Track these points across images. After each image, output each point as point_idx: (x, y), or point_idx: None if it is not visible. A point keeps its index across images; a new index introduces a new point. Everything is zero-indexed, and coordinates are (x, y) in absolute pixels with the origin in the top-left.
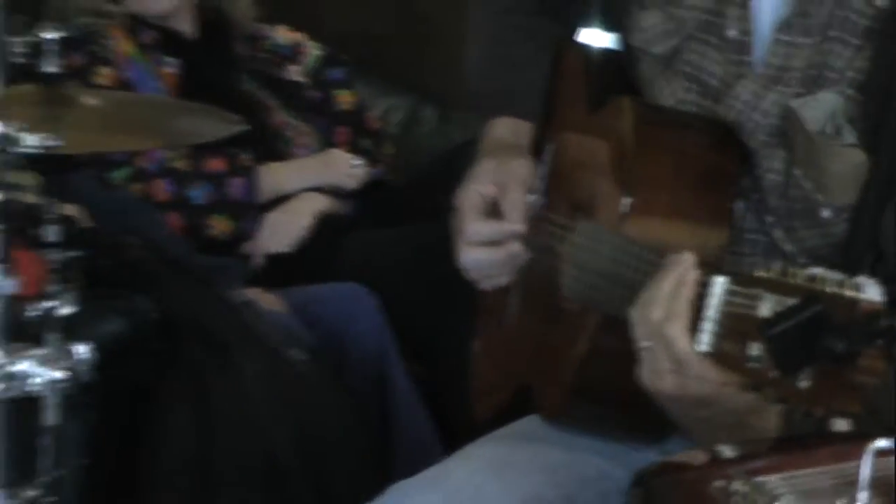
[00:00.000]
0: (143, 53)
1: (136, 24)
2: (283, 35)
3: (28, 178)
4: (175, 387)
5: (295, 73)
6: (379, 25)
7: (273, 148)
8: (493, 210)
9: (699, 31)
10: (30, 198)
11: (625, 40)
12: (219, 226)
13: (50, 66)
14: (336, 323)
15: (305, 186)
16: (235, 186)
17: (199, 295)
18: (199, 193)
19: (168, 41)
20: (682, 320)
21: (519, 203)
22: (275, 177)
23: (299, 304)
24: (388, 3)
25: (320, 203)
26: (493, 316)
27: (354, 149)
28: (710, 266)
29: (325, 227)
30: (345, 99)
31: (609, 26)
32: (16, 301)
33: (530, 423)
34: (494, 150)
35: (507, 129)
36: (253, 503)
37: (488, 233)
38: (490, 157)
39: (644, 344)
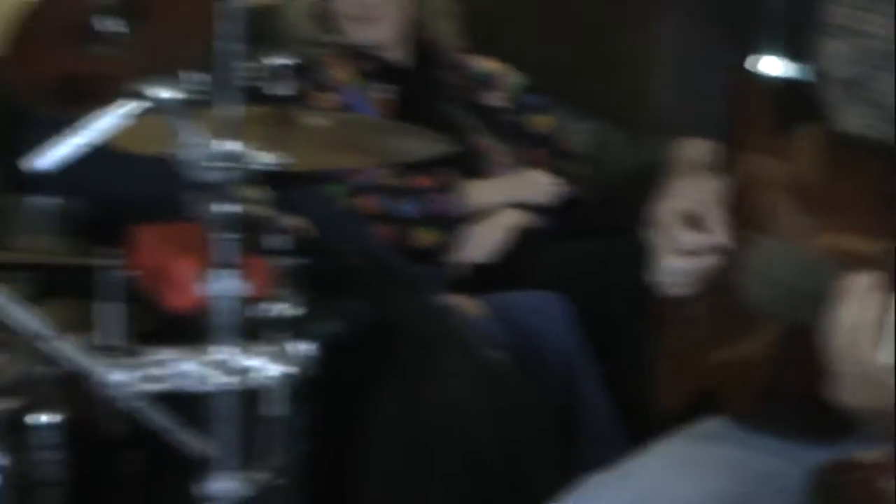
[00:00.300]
0: (359, 80)
1: (354, 53)
2: (486, 65)
3: (259, 192)
4: (386, 384)
5: (496, 99)
6: (573, 57)
7: (475, 167)
8: (690, 224)
9: (883, 60)
10: (261, 210)
11: (808, 67)
12: (425, 237)
13: (281, 90)
14: (531, 327)
15: (504, 202)
16: (441, 202)
17: (408, 300)
18: (407, 208)
19: (382, 69)
20: (869, 341)
21: (721, 219)
22: (477, 193)
23: (498, 310)
24: (582, 37)
25: (518, 218)
26: (675, 321)
27: (549, 169)
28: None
29: (522, 239)
30: (541, 123)
31: (790, 55)
32: (248, 303)
33: (710, 423)
34: (684, 169)
35: (695, 149)
36: (455, 497)
37: (693, 243)
38: (681, 174)
39: (835, 365)
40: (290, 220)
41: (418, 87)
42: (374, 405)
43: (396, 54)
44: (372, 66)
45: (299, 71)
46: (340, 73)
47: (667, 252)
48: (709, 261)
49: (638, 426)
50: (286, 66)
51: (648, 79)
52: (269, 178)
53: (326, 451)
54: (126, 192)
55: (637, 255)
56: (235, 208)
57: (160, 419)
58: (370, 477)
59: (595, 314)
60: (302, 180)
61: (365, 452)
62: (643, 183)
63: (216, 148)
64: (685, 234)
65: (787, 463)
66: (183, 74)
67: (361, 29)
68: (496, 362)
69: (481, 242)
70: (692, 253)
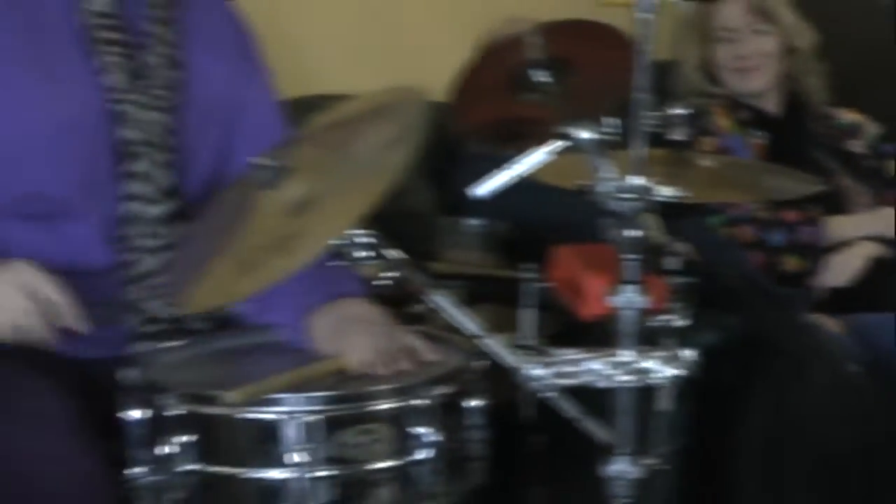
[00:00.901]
0: (737, 127)
1: (733, 103)
2: (847, 116)
3: (652, 220)
4: (756, 390)
5: (856, 146)
6: None
7: (837, 204)
8: None
9: None
10: (657, 236)
11: None
12: (791, 264)
13: (677, 135)
14: (883, 345)
15: (862, 235)
16: (806, 233)
17: (777, 317)
18: (776, 237)
19: (757, 118)
20: None
21: None
22: (837, 227)
23: (854, 329)
24: None
25: (873, 249)
26: None
27: None
28: None
29: (877, 268)
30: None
31: None
32: (647, 314)
33: None
34: None
35: None
36: (812, 498)
37: None
38: None
39: None
40: (679, 245)
41: (789, 134)
42: (745, 408)
43: (769, 105)
44: (748, 114)
45: (690, 119)
46: (722, 120)
47: None
48: None
49: None
50: (682, 116)
51: None
52: (663, 208)
53: (702, 444)
54: (548, 217)
55: None
56: (639, 234)
57: (569, 409)
58: (737, 471)
59: None
60: (689, 211)
61: (734, 448)
62: None
63: (626, 182)
64: None
65: None
66: (601, 119)
67: (739, 79)
68: (855, 375)
69: (841, 269)
70: None
